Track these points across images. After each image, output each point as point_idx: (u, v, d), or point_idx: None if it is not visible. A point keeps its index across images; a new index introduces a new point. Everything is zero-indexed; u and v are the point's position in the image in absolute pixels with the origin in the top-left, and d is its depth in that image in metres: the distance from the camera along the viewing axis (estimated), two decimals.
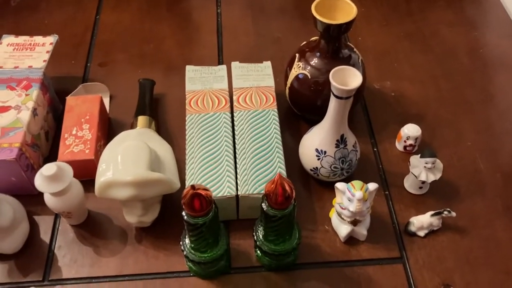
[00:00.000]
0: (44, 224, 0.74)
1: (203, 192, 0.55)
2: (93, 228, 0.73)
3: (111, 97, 0.89)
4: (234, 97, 0.79)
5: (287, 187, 0.56)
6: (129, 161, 0.65)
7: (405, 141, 0.79)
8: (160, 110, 0.87)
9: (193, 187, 0.55)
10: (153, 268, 0.69)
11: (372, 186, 0.66)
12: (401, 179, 0.78)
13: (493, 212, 0.74)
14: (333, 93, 0.65)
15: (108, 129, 0.84)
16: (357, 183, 0.65)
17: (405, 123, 0.80)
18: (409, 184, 0.76)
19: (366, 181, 0.66)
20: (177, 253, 0.70)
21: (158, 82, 0.89)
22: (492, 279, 0.68)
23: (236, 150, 0.73)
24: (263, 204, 0.59)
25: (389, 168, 0.80)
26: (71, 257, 0.70)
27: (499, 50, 0.97)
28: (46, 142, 0.80)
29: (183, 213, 0.58)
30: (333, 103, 0.66)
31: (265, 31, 1.01)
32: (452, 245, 0.71)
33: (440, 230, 0.72)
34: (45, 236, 0.72)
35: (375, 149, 0.82)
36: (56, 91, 0.86)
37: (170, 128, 0.84)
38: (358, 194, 0.64)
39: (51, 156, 0.80)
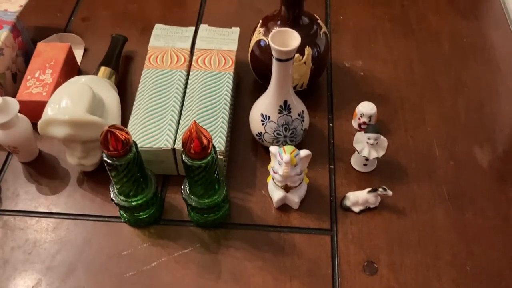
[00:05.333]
0: None
1: (118, 132, 0.56)
2: (41, 167, 0.76)
3: (86, 50, 0.92)
4: (194, 57, 0.80)
5: (203, 137, 0.57)
6: (70, 102, 0.67)
7: (359, 119, 0.78)
8: (128, 66, 0.89)
9: (110, 127, 0.57)
10: (87, 210, 0.71)
11: (304, 152, 0.66)
12: (351, 156, 0.77)
13: (437, 198, 0.72)
14: (273, 56, 0.65)
15: None
16: (288, 147, 0.65)
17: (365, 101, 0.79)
18: (354, 160, 0.75)
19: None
20: None
21: (134, 41, 0.91)
22: (419, 262, 0.66)
23: (183, 107, 0.74)
24: (182, 154, 0.60)
25: (340, 144, 0.79)
26: (14, 191, 0.73)
27: (484, 41, 0.93)
28: (13, 84, 0.83)
29: (103, 153, 0.60)
30: (274, 66, 0.66)
31: (249, 1, 1.01)
32: (386, 224, 0.70)
33: (377, 208, 0.71)
34: None
35: (331, 125, 0.81)
36: (36, 39, 0.90)
37: (132, 84, 0.86)
38: (286, 157, 0.64)
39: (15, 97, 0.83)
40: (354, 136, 0.73)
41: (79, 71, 0.88)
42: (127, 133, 0.58)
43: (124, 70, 0.89)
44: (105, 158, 0.59)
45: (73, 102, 0.67)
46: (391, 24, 0.96)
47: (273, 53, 0.64)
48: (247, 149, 0.78)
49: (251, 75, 0.85)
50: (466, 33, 0.95)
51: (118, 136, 0.56)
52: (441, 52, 0.92)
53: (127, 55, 0.91)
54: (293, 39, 0.64)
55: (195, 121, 0.57)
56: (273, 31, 0.64)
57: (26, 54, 0.87)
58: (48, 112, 0.69)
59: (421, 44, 0.93)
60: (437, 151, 0.78)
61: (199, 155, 0.58)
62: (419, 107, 0.83)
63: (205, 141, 0.57)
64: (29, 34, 0.89)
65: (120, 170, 0.60)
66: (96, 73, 0.80)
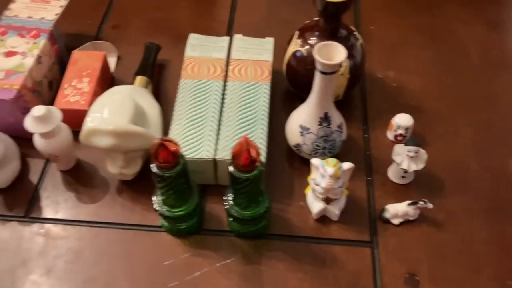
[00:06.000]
0: (35, 166, 0.77)
1: (169, 145, 0.57)
2: (79, 175, 0.77)
3: (118, 58, 0.92)
4: (230, 67, 0.80)
5: (252, 151, 0.57)
6: (114, 112, 0.68)
7: (395, 131, 0.79)
8: (162, 75, 0.90)
9: (161, 139, 0.57)
10: (127, 219, 0.72)
11: (347, 165, 0.66)
12: (387, 168, 0.77)
13: (474, 211, 0.73)
14: (317, 68, 0.65)
15: (110, 86, 0.86)
16: (331, 160, 0.66)
17: (400, 113, 0.79)
18: (392, 172, 0.76)
19: None
20: (153, 208, 0.72)
21: (166, 49, 0.92)
22: (459, 275, 0.67)
23: (222, 118, 0.74)
24: (230, 166, 0.60)
25: (376, 155, 0.79)
26: (54, 199, 0.74)
27: None
28: (49, 91, 0.83)
29: (152, 165, 0.60)
30: (317, 78, 0.67)
31: (278, 11, 1.01)
32: (425, 237, 0.70)
33: (416, 221, 0.71)
34: (33, 177, 0.76)
35: (366, 136, 0.81)
36: (68, 46, 0.90)
37: (168, 92, 0.87)
38: (330, 170, 0.64)
39: (53, 104, 0.83)
40: (391, 148, 0.74)
41: (112, 79, 0.89)
42: (177, 145, 0.58)
43: (157, 79, 0.89)
44: (154, 170, 0.59)
45: (117, 112, 0.68)
46: (420, 35, 0.97)
47: (318, 66, 0.65)
48: (283, 159, 0.79)
49: (282, 84, 0.85)
50: (494, 45, 0.95)
51: (169, 148, 0.57)
52: (470, 64, 0.92)
53: (159, 63, 0.91)
54: (338, 52, 0.64)
55: (246, 136, 0.57)
56: (319, 44, 0.64)
57: (61, 62, 0.87)
58: (91, 122, 0.69)
59: (450, 55, 0.93)
60: (472, 163, 0.78)
61: (248, 167, 0.59)
62: (452, 119, 0.84)
63: (254, 155, 0.58)
64: (63, 41, 0.89)
65: (169, 182, 0.60)
66: (132, 82, 0.81)
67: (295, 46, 0.79)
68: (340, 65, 0.64)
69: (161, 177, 0.60)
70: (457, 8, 1.02)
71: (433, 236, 0.70)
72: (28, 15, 0.84)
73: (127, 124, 0.66)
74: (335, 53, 0.64)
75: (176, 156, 0.58)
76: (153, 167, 0.60)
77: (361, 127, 0.83)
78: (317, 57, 0.63)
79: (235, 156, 0.58)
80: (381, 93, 0.87)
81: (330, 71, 0.64)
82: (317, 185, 0.67)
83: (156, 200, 0.66)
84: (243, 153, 0.57)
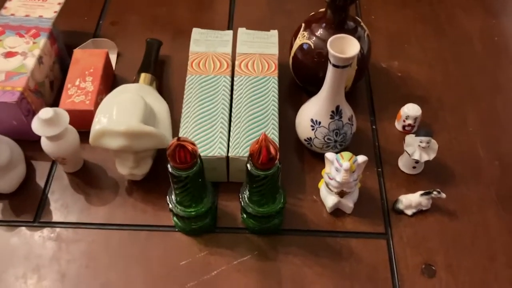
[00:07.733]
0: (41, 169, 0.76)
1: (187, 145, 0.56)
2: (87, 177, 0.75)
3: (118, 55, 0.90)
4: (236, 62, 0.79)
5: (271, 148, 0.57)
6: (124, 112, 0.66)
7: (404, 121, 0.79)
8: (165, 71, 0.88)
9: (178, 139, 0.56)
10: (139, 220, 0.71)
11: (361, 158, 0.66)
12: (397, 158, 0.77)
13: (486, 199, 0.73)
14: (330, 62, 0.65)
15: (112, 84, 0.85)
16: (346, 154, 0.65)
17: (408, 103, 0.79)
18: (403, 163, 0.76)
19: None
20: (164, 208, 0.71)
21: (167, 45, 0.90)
22: (475, 264, 0.67)
23: (232, 114, 0.74)
24: (248, 164, 0.60)
25: (386, 146, 0.79)
26: (63, 203, 0.72)
27: None
28: (50, 91, 0.81)
29: (168, 165, 0.59)
30: (330, 72, 0.66)
31: (278, 2, 1.00)
32: (439, 226, 0.71)
33: (428, 211, 0.72)
34: (40, 180, 0.75)
35: (374, 127, 0.81)
36: (66, 44, 0.88)
37: (171, 88, 0.85)
38: (346, 164, 0.64)
39: (55, 105, 0.81)
40: (399, 138, 0.74)
41: (114, 77, 0.87)
42: (194, 144, 0.58)
43: (159, 75, 0.87)
44: (171, 171, 0.59)
45: (127, 112, 0.66)
46: (422, 24, 0.97)
47: (331, 59, 0.64)
48: (293, 154, 0.78)
49: (286, 77, 0.84)
50: (497, 32, 0.95)
51: (187, 149, 0.56)
52: (473, 52, 0.92)
53: (160, 60, 0.90)
54: (351, 45, 0.64)
55: (265, 133, 0.56)
56: (332, 37, 0.63)
57: (61, 61, 0.85)
58: (100, 123, 0.68)
59: (453, 44, 0.94)
60: (481, 151, 0.79)
61: (267, 165, 0.58)
62: (459, 108, 0.84)
63: (273, 152, 0.57)
64: (61, 39, 0.87)
65: (186, 182, 0.60)
66: (137, 80, 0.79)
67: (302, 38, 0.78)
68: (353, 58, 0.63)
69: (178, 177, 0.59)
70: None
71: (447, 225, 0.71)
72: (25, 13, 0.81)
73: (139, 124, 0.65)
74: (348, 46, 0.64)
75: (194, 156, 0.57)
76: (170, 168, 0.59)
77: (368, 118, 0.82)
78: (330, 50, 0.63)
79: (253, 154, 0.57)
80: (386, 83, 0.87)
81: (343, 65, 0.64)
82: (331, 179, 0.67)
83: (171, 200, 0.65)
84: (262, 151, 0.57)
